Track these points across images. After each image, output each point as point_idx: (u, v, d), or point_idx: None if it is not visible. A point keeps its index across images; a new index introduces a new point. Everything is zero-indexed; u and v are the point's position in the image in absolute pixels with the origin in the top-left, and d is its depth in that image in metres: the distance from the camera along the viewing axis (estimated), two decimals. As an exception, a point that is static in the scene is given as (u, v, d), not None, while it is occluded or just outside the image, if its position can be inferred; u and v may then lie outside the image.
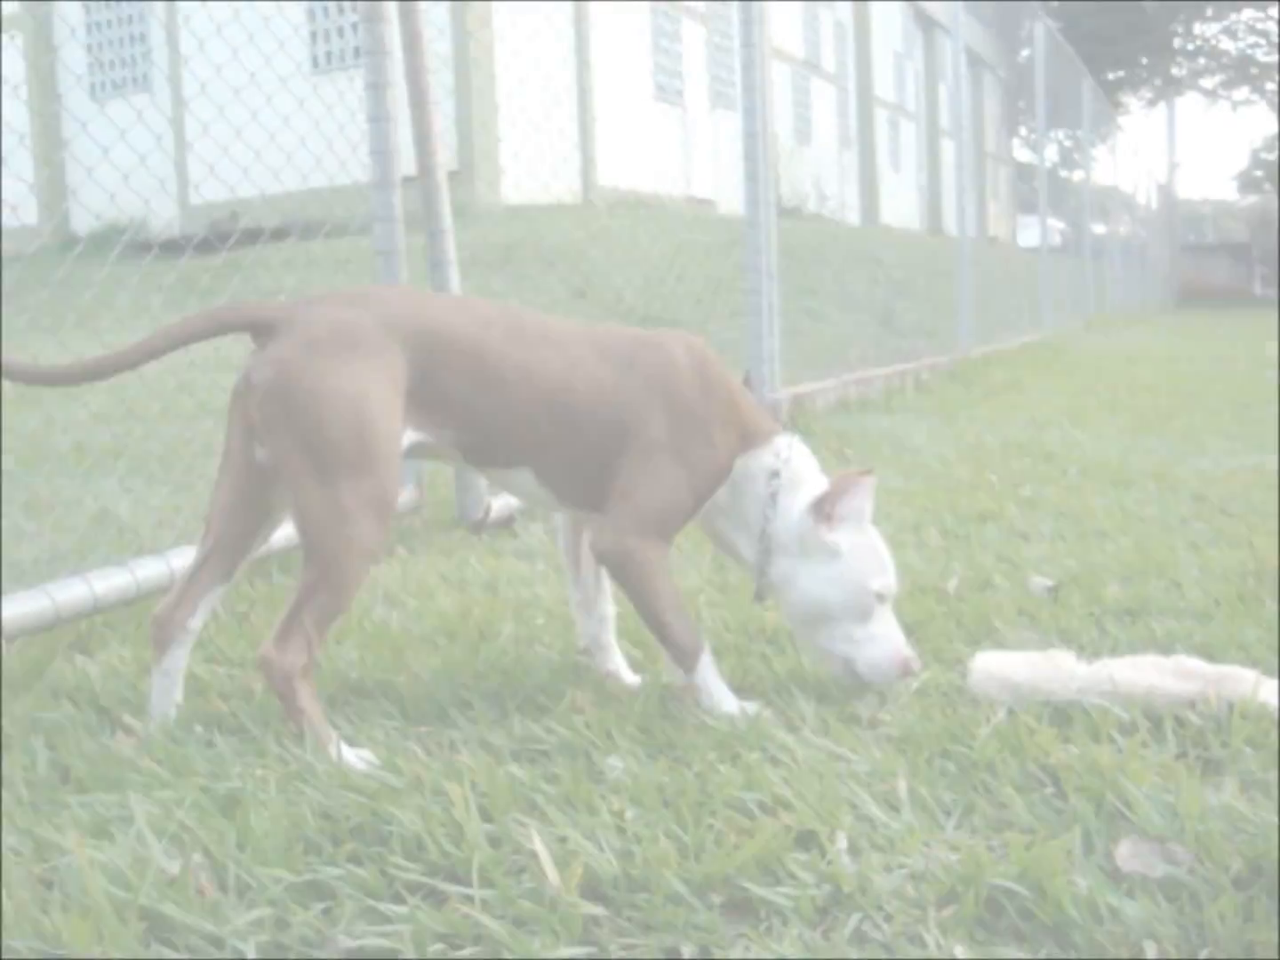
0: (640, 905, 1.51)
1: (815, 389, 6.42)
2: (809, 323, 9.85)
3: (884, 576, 2.25)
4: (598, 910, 1.50)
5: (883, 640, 2.23)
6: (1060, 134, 23.28)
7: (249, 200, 4.42)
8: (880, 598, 2.23)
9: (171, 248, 4.20)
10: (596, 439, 2.18)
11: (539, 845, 1.60)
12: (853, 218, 23.45)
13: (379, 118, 3.52)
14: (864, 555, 2.24)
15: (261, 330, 2.02)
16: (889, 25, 27.64)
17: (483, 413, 2.13)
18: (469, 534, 3.71)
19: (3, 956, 1.39)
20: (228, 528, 2.12)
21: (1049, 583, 3.00)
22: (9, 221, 3.28)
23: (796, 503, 2.25)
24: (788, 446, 2.29)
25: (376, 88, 3.52)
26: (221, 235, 3.95)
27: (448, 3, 12.24)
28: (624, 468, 2.18)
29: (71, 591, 2.59)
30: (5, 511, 3.40)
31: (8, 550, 3.07)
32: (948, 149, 24.53)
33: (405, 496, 3.67)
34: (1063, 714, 2.11)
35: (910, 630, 2.66)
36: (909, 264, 13.67)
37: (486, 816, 1.72)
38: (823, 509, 2.22)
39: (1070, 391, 8.10)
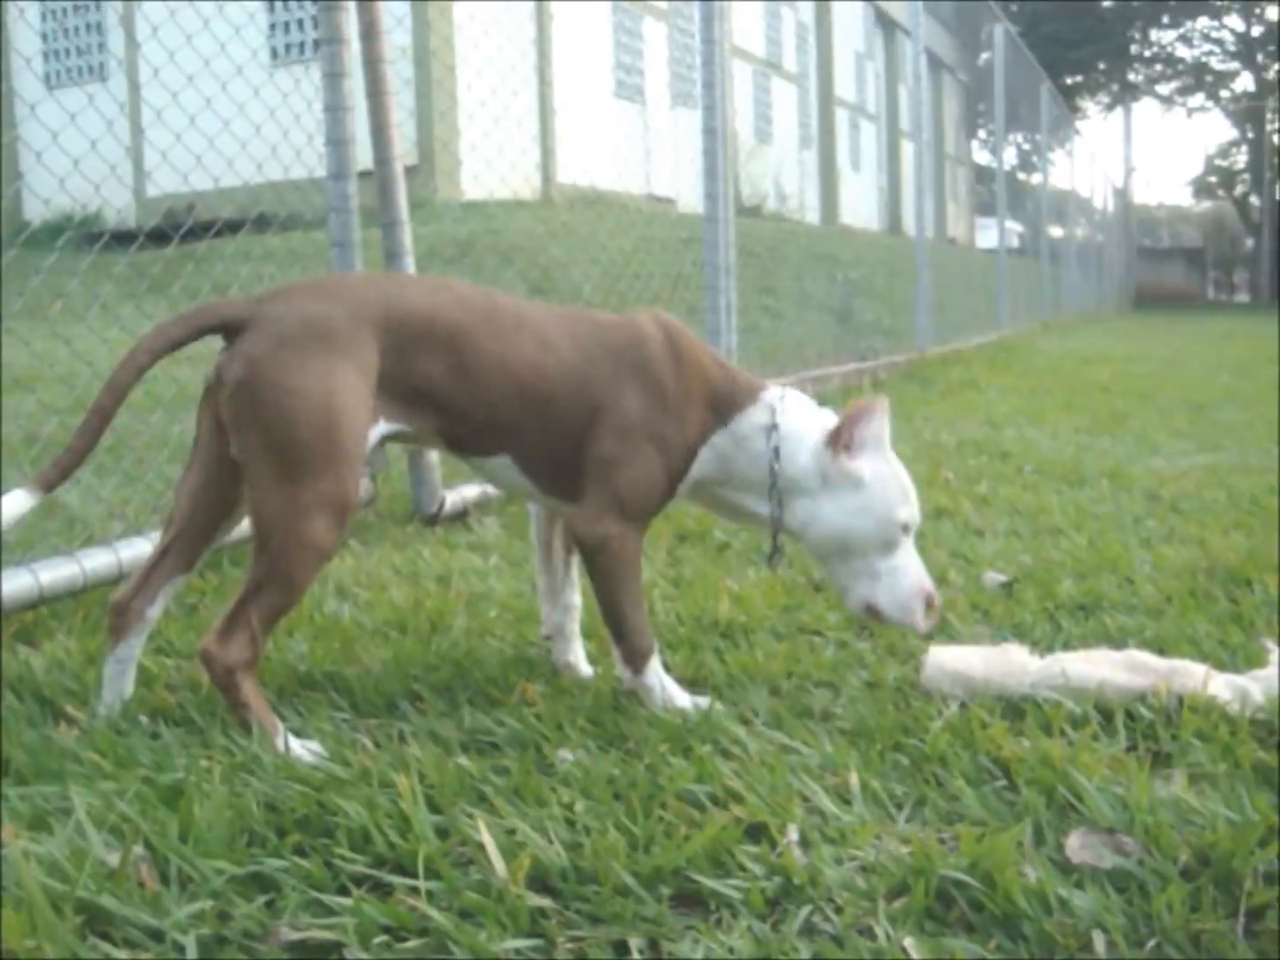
0: (589, 897, 1.50)
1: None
2: (767, 320, 9.86)
3: (909, 506, 2.17)
4: (545, 902, 1.49)
5: (904, 573, 2.16)
6: (1019, 137, 23.43)
7: (204, 193, 4.38)
8: (905, 528, 2.17)
9: (126, 238, 4.15)
10: (573, 424, 2.15)
11: (486, 837, 1.59)
12: (812, 217, 23.48)
13: (335, 107, 3.49)
14: (888, 484, 2.16)
15: (234, 328, 1.98)
16: (850, 26, 27.72)
17: (459, 399, 2.10)
18: (423, 527, 3.68)
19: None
20: (192, 518, 2.10)
21: (1003, 578, 3.01)
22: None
23: (804, 446, 2.19)
24: (779, 399, 2.24)
25: (333, 77, 3.48)
26: (176, 226, 3.90)
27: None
28: (597, 449, 2.14)
29: (17, 582, 2.55)
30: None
31: (-48, 540, 3.02)
32: (907, 150, 24.64)
33: (359, 489, 3.64)
34: (1015, 708, 2.11)
35: (863, 625, 2.67)
36: (868, 264, 13.71)
37: (434, 808, 1.70)
38: (840, 438, 2.16)
39: (1026, 391, 8.15)
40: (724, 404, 2.23)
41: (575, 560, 2.40)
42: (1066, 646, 2.45)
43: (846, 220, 25.23)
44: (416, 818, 1.64)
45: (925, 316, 10.24)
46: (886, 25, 29.71)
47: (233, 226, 4.19)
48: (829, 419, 2.23)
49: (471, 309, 2.13)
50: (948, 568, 3.13)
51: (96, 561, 2.71)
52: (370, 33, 3.58)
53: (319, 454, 1.94)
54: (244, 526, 2.20)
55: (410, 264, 3.72)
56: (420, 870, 1.52)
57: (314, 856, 1.57)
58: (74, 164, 3.26)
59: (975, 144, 38.77)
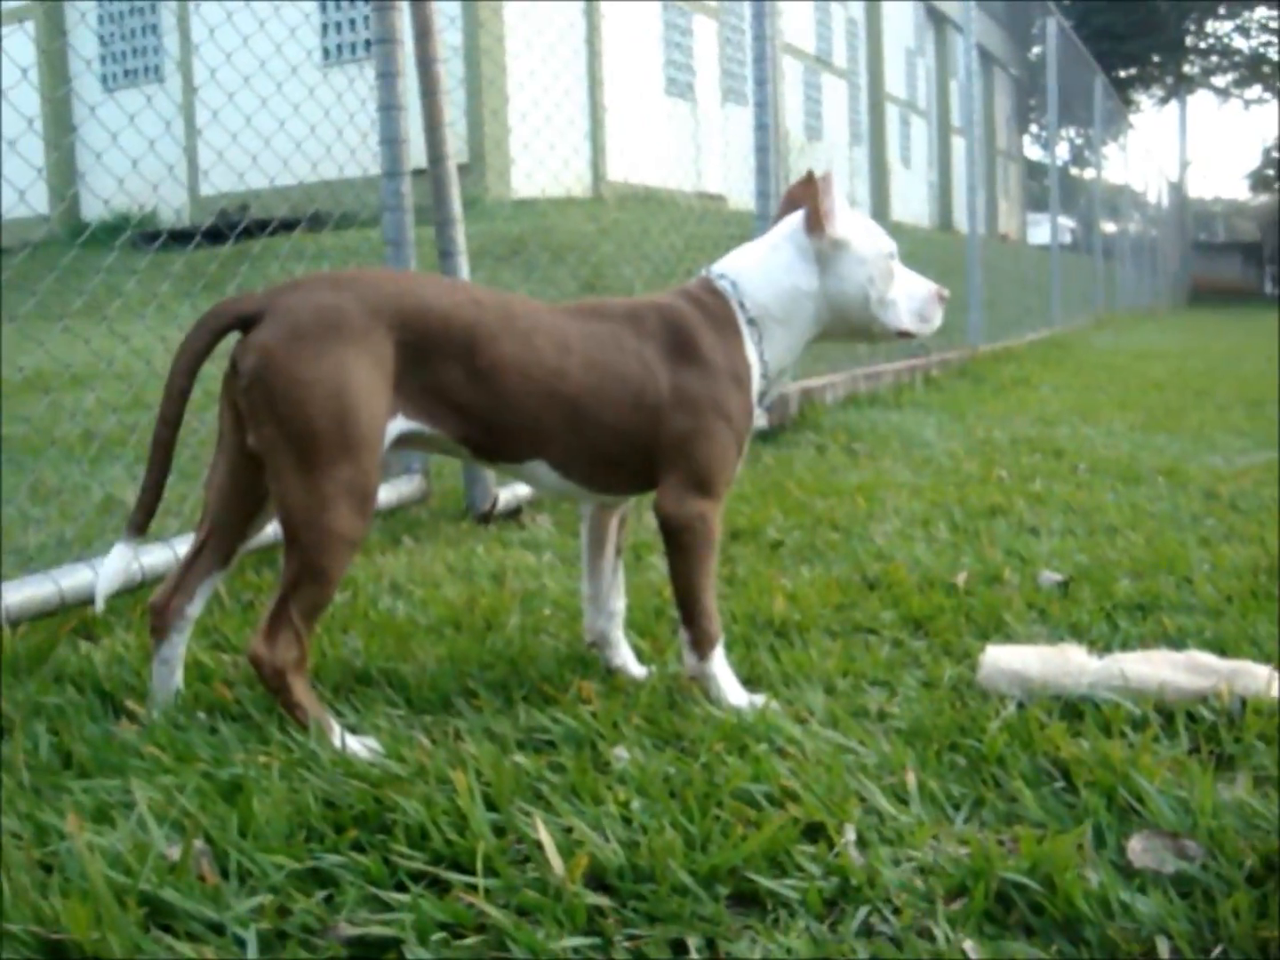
0: (646, 896, 1.49)
1: (824, 383, 6.40)
2: (818, 318, 9.78)
3: (885, 237, 2.31)
4: (603, 901, 1.49)
5: (913, 289, 2.32)
6: (1071, 132, 23.18)
7: (259, 191, 4.41)
8: (892, 255, 2.30)
9: (182, 237, 4.19)
10: (616, 421, 2.13)
11: (544, 835, 1.59)
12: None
13: (389, 106, 3.52)
14: (864, 229, 2.29)
15: (250, 321, 1.98)
16: (901, 22, 27.56)
17: (479, 401, 2.07)
18: (476, 525, 3.70)
19: (1, 940, 1.38)
20: (223, 514, 2.11)
21: (1059, 577, 2.98)
22: (18, 209, 3.26)
23: (769, 276, 2.26)
24: (726, 282, 2.27)
25: (387, 76, 3.51)
26: (231, 225, 3.94)
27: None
28: (669, 431, 2.14)
29: (77, 577, 2.59)
30: (12, 498, 3.39)
31: (14, 536, 3.07)
32: (958, 146, 24.50)
33: (412, 487, 3.66)
34: (1073, 708, 2.09)
35: (919, 624, 2.66)
36: (919, 260, 13.56)
37: (491, 806, 1.70)
38: (816, 220, 2.24)
39: (1080, 388, 8.08)
40: (741, 322, 2.25)
41: (622, 564, 2.41)
42: (1124, 647, 2.43)
43: (897, 217, 25.06)
44: (474, 815, 1.64)
45: (977, 313, 10.16)
46: (937, 20, 29.52)
47: (287, 225, 4.23)
48: (768, 241, 2.32)
49: (487, 310, 2.09)
50: (1003, 566, 3.11)
51: (154, 558, 2.74)
52: (423, 32, 3.60)
53: (335, 442, 1.93)
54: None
55: (463, 262, 3.73)
56: (478, 867, 1.53)
57: (372, 853, 1.58)
58: (133, 164, 3.29)
59: (1027, 139, 38.45)
